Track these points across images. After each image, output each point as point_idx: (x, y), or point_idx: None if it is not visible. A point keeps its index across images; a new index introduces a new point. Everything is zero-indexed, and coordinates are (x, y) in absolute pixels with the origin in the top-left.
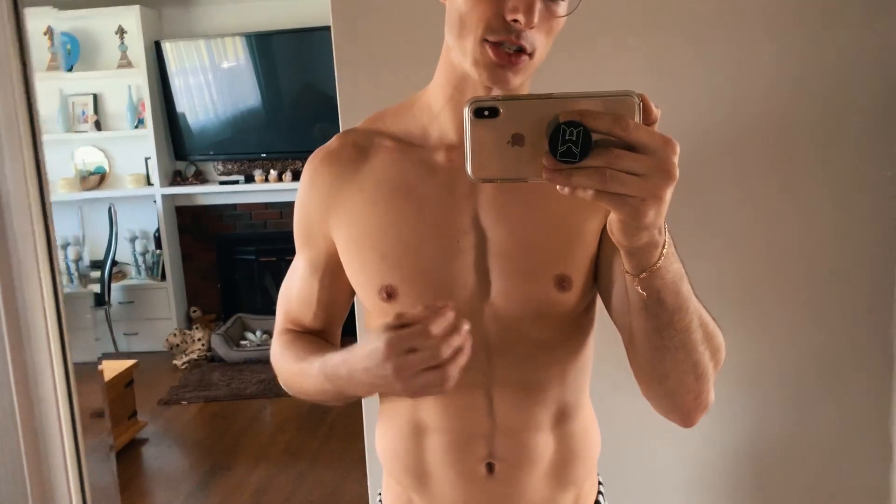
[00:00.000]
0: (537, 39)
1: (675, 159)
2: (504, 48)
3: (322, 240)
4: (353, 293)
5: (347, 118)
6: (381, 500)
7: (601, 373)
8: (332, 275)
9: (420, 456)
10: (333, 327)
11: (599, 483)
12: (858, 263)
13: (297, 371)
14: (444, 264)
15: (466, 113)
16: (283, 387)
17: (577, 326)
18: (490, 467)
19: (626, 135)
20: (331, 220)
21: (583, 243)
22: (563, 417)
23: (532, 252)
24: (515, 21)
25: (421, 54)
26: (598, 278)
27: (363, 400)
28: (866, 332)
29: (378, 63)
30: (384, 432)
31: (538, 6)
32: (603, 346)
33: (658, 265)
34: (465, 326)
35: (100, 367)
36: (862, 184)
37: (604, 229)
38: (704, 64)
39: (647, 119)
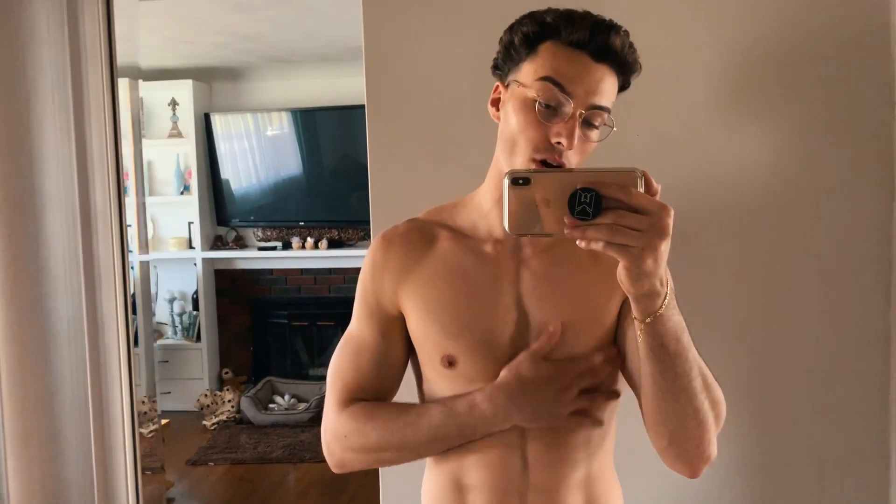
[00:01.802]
0: (573, 159)
1: (669, 220)
2: (546, 165)
3: (390, 311)
4: (406, 360)
5: (377, 188)
6: None
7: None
8: (390, 346)
9: None
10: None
11: None
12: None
13: (403, 424)
14: (494, 339)
15: (506, 181)
16: (357, 454)
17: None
18: None
19: (629, 199)
20: (402, 292)
21: (602, 322)
22: (589, 478)
23: (565, 332)
24: (559, 143)
25: (445, 133)
26: (617, 345)
27: (380, 471)
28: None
29: (405, 139)
30: (429, 488)
31: (577, 132)
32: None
33: (660, 312)
34: None
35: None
36: (858, 271)
37: (621, 307)
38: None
39: (649, 190)
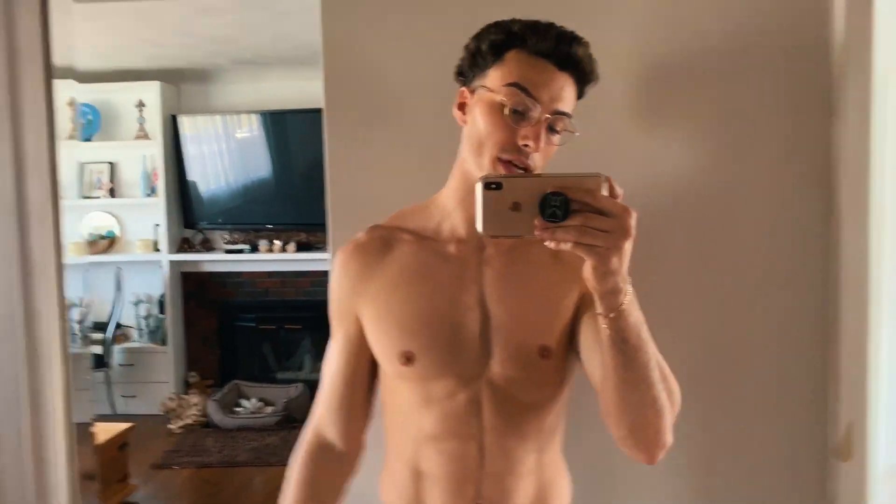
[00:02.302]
0: (538, 160)
1: (632, 222)
2: (513, 165)
3: (349, 319)
4: (372, 372)
5: (336, 193)
6: None
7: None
8: (356, 351)
9: (418, 498)
10: (353, 423)
11: None
12: (796, 353)
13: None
14: (455, 334)
15: (478, 186)
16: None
17: (554, 388)
18: None
19: (595, 203)
20: (359, 299)
21: (560, 319)
22: (540, 465)
23: (523, 327)
24: (526, 146)
25: (404, 136)
26: (575, 339)
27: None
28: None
29: (364, 143)
30: (389, 476)
31: (543, 136)
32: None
33: (622, 308)
34: None
35: (92, 429)
36: (799, 277)
37: (578, 302)
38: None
39: (613, 194)
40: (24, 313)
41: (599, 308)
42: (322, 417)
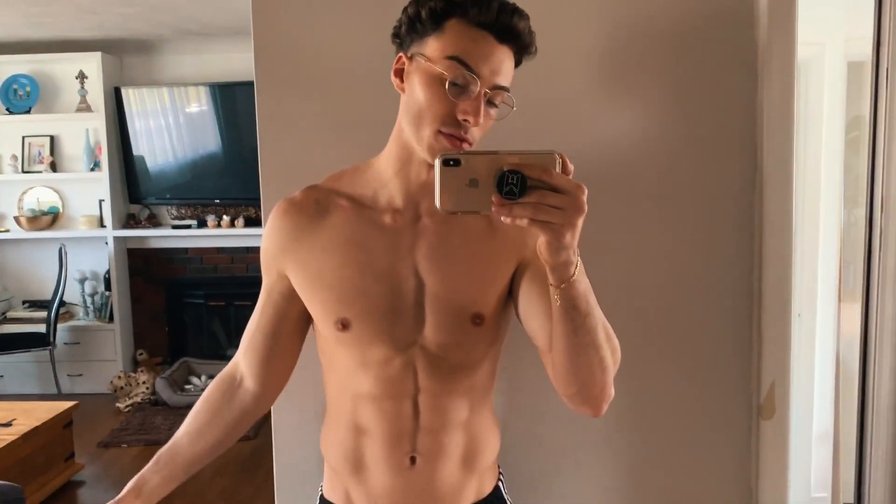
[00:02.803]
0: (477, 133)
1: (584, 198)
2: (453, 138)
3: (275, 274)
4: (300, 323)
5: (267, 165)
6: (321, 492)
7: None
8: (277, 303)
9: (357, 451)
10: (266, 365)
11: (500, 473)
12: (721, 315)
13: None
14: (390, 303)
15: (437, 162)
16: None
17: (486, 351)
18: (413, 460)
19: (550, 180)
20: (286, 259)
21: (494, 288)
22: (471, 420)
23: (456, 295)
24: (466, 120)
25: (336, 106)
26: (519, 307)
27: (274, 470)
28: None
29: (296, 113)
30: (329, 430)
31: (482, 110)
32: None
33: (573, 278)
34: None
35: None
36: (725, 240)
37: (515, 272)
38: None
39: (565, 171)
40: None
41: (551, 279)
42: (239, 353)
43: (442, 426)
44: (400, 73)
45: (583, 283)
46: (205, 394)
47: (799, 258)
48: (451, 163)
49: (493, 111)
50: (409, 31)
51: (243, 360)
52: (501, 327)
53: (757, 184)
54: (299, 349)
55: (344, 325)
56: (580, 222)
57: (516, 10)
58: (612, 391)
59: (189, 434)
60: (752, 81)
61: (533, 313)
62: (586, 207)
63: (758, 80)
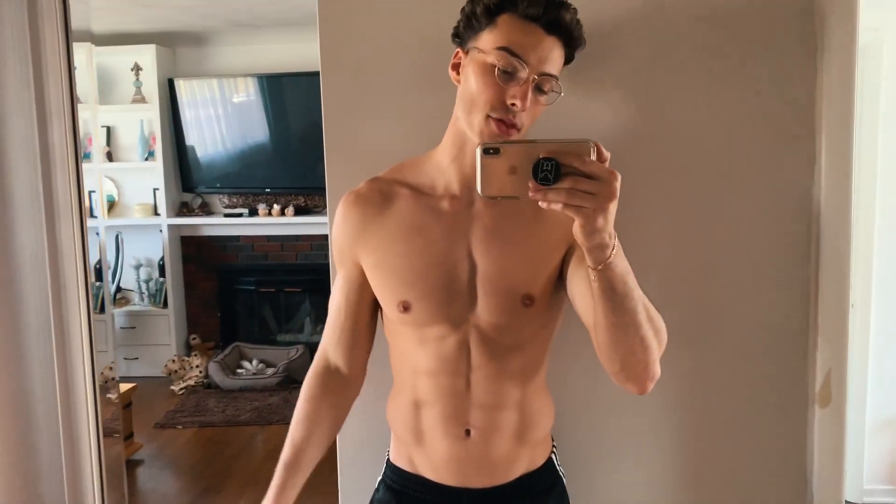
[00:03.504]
0: (525, 118)
1: (617, 185)
2: (502, 123)
3: (350, 263)
4: (375, 307)
5: (333, 156)
6: (388, 457)
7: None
8: (357, 289)
9: (418, 422)
10: (354, 351)
11: (553, 445)
12: (777, 303)
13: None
14: (446, 285)
15: (478, 151)
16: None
17: (537, 332)
18: (468, 432)
19: (583, 167)
20: (358, 248)
21: (545, 270)
22: (524, 398)
23: (507, 277)
24: (514, 104)
25: (399, 98)
26: (568, 288)
27: (338, 439)
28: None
29: (361, 105)
30: (394, 402)
31: (530, 95)
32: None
33: (609, 260)
34: None
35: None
36: (783, 230)
37: (565, 256)
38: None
39: (600, 158)
40: (49, 266)
41: (588, 261)
42: (328, 345)
43: (495, 404)
44: (457, 68)
45: (620, 265)
46: (306, 393)
47: (854, 247)
48: (491, 151)
49: (542, 98)
50: (465, 28)
51: (333, 350)
52: (553, 309)
53: (816, 172)
54: (375, 330)
55: (405, 308)
56: (612, 207)
57: (563, 4)
58: (656, 370)
59: (304, 436)
60: (812, 68)
61: (579, 293)
62: (618, 194)
63: (817, 67)
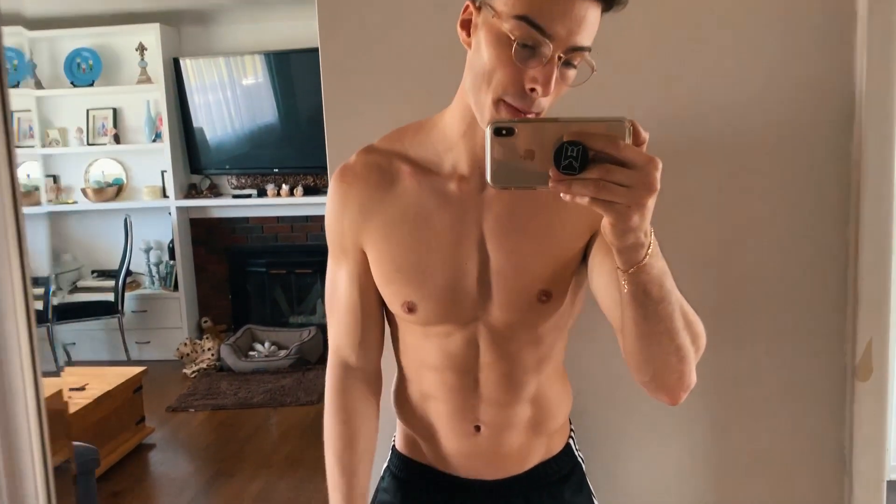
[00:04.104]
0: (545, 104)
1: (657, 174)
2: (517, 111)
3: (354, 252)
4: (381, 302)
5: (335, 136)
6: (394, 444)
7: (581, 344)
8: (365, 283)
9: (425, 415)
10: (373, 345)
11: (571, 430)
12: (813, 273)
13: (329, 465)
14: (455, 283)
15: (488, 131)
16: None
17: (554, 328)
18: (477, 428)
19: (617, 153)
20: (362, 236)
21: (565, 264)
22: (538, 394)
23: (522, 272)
24: (533, 90)
25: (402, 73)
26: (591, 280)
27: None
28: (821, 341)
29: (362, 81)
30: (400, 392)
31: (554, 76)
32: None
33: (644, 262)
34: None
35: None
36: (819, 194)
37: (587, 248)
38: (676, 79)
39: (637, 141)
40: None
41: (619, 263)
42: (343, 348)
43: (507, 401)
44: (467, 26)
45: (656, 266)
46: (341, 415)
47: None
48: (504, 132)
49: (570, 73)
50: None
51: (354, 354)
52: (572, 303)
53: (855, 129)
54: (384, 322)
55: (410, 308)
56: (651, 203)
57: None
58: (692, 379)
59: (354, 460)
60: (849, 52)
61: (604, 289)
62: (658, 185)
63: (855, 53)
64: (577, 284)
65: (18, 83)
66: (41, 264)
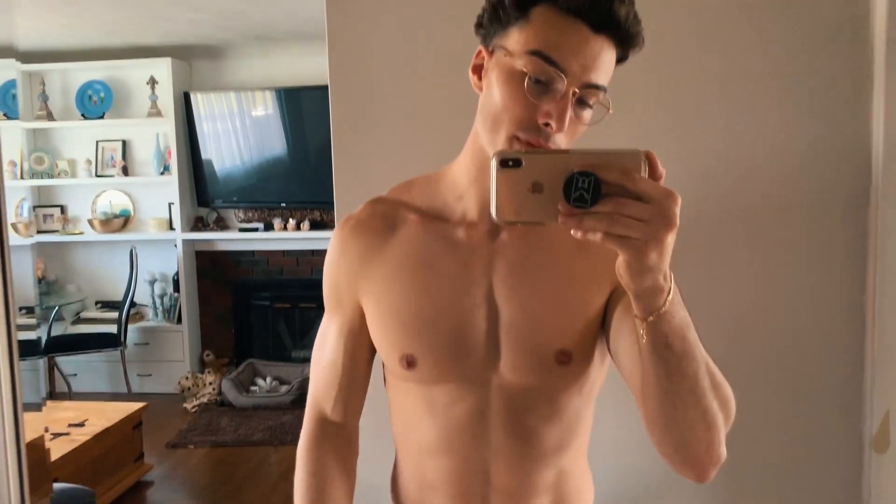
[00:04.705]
0: (562, 141)
1: (676, 209)
2: (531, 146)
3: (349, 304)
4: (372, 356)
5: (342, 173)
6: None
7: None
8: (356, 338)
9: None
10: (353, 404)
11: None
12: (830, 342)
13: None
14: (459, 336)
15: (493, 163)
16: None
17: (576, 397)
18: None
19: (631, 185)
20: (359, 286)
21: (586, 319)
22: (558, 482)
23: (538, 328)
24: (547, 125)
25: (410, 112)
26: (610, 343)
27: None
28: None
29: (370, 118)
30: (398, 476)
31: (569, 113)
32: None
33: (664, 309)
34: None
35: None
36: (836, 261)
37: (608, 301)
38: (701, 136)
39: (654, 175)
40: None
41: (636, 310)
42: (321, 402)
43: (523, 491)
44: (479, 70)
45: (677, 315)
46: (311, 466)
47: None
48: (511, 163)
49: (585, 113)
50: (491, 20)
51: (331, 408)
52: (597, 368)
53: (872, 196)
54: (369, 380)
55: (409, 363)
56: (670, 239)
57: None
58: (722, 451)
59: (316, 499)
60: (866, 118)
61: (625, 351)
62: (678, 221)
63: (871, 118)
64: (600, 344)
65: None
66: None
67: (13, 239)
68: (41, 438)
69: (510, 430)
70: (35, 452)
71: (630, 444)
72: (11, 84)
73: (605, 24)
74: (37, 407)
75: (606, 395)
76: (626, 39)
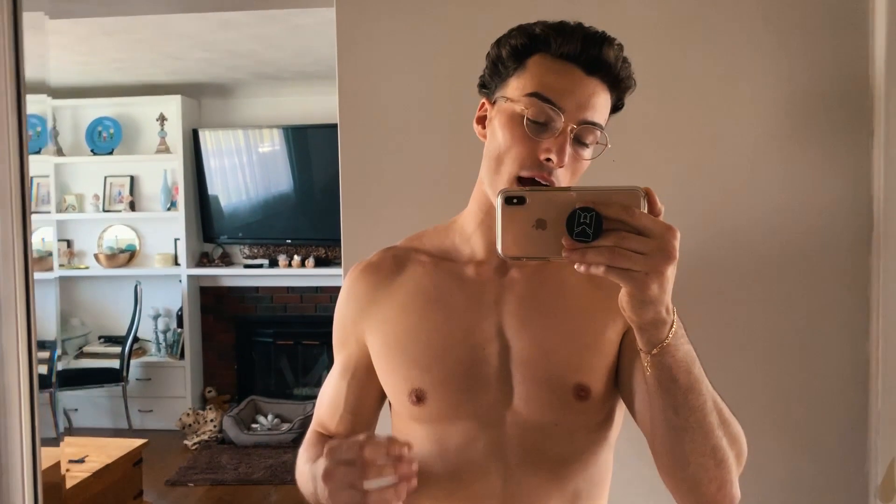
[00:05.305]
0: (564, 178)
1: (676, 242)
2: (535, 183)
3: (355, 344)
4: (380, 401)
5: (350, 211)
6: None
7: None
8: (360, 379)
9: None
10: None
11: None
12: (833, 390)
13: (304, 472)
14: (470, 369)
15: (498, 201)
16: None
17: (596, 438)
18: None
19: (631, 220)
20: (365, 324)
21: (601, 353)
22: None
23: (552, 361)
24: (548, 160)
25: (418, 153)
26: (619, 381)
27: None
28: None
29: (378, 161)
30: None
31: (568, 149)
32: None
33: (667, 342)
34: (413, 467)
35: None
36: (839, 310)
37: (623, 337)
38: (705, 183)
39: (653, 210)
40: None
41: (640, 343)
42: (321, 428)
43: None
44: (482, 121)
45: (681, 349)
46: (306, 456)
47: None
48: (515, 201)
49: (584, 151)
50: (492, 76)
51: (324, 429)
52: (616, 405)
53: (874, 243)
54: (377, 417)
55: (419, 398)
56: (670, 272)
57: (606, 39)
58: (736, 492)
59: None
60: (867, 169)
61: (635, 388)
62: (677, 254)
63: (872, 170)
64: (616, 382)
65: (40, 150)
66: (49, 329)
67: (40, 273)
68: (58, 474)
69: (527, 471)
70: (53, 491)
71: (644, 490)
72: (40, 120)
73: (597, 67)
74: (54, 442)
75: (620, 445)
76: (617, 81)
